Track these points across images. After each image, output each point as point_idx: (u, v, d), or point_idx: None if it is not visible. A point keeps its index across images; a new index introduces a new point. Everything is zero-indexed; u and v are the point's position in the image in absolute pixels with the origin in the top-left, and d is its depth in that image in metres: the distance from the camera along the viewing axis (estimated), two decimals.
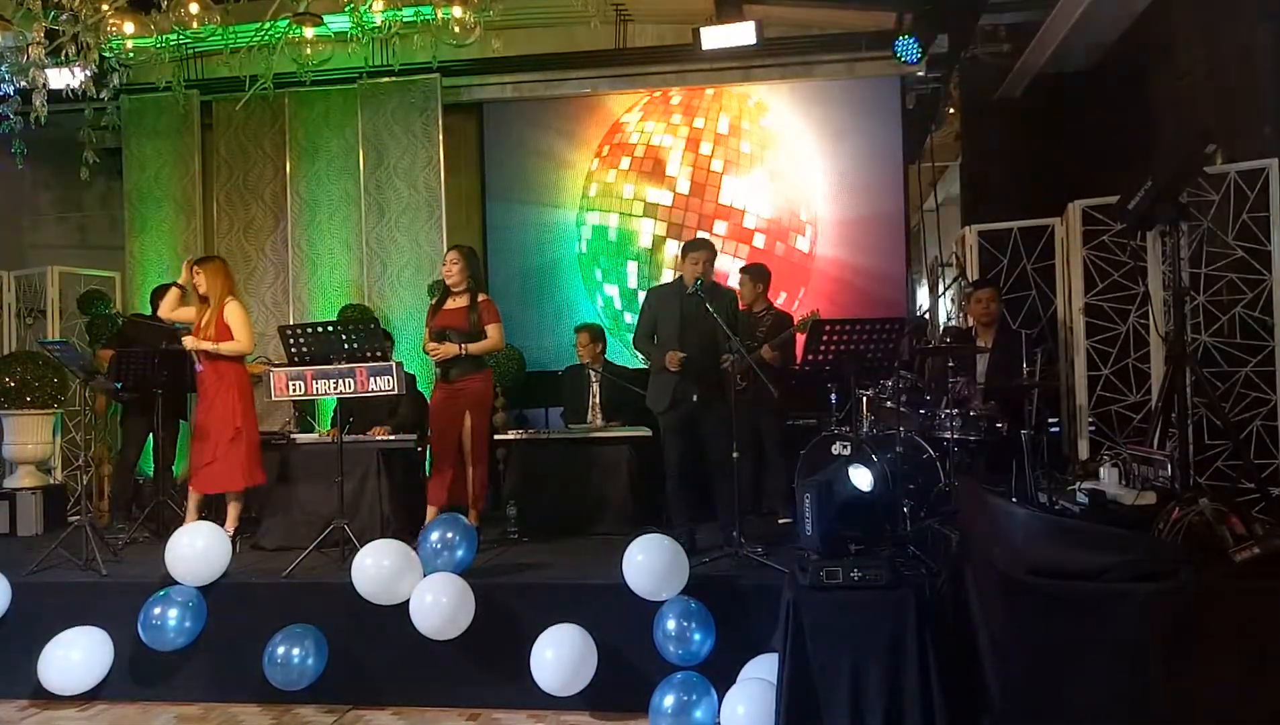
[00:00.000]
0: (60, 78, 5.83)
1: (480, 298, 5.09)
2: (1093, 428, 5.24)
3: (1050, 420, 4.37)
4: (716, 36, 6.45)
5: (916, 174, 7.53)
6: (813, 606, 3.50)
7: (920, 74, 6.95)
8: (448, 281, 5.08)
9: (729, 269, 7.05)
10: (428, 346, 5.01)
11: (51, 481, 6.50)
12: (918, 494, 4.54)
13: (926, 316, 6.76)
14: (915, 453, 4.74)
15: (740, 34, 6.40)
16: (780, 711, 3.43)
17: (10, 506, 6.01)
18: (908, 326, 5.34)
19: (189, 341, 5.03)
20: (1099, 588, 3.01)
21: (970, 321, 5.40)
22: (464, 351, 4.93)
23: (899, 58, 6.36)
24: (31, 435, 6.34)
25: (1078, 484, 3.82)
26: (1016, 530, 3.43)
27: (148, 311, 6.85)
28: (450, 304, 5.08)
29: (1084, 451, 5.24)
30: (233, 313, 5.06)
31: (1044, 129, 6.81)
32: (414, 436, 5.53)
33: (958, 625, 3.42)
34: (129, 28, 5.87)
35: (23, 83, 5.71)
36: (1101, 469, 3.73)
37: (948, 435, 4.55)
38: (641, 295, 5.61)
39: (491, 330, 5.03)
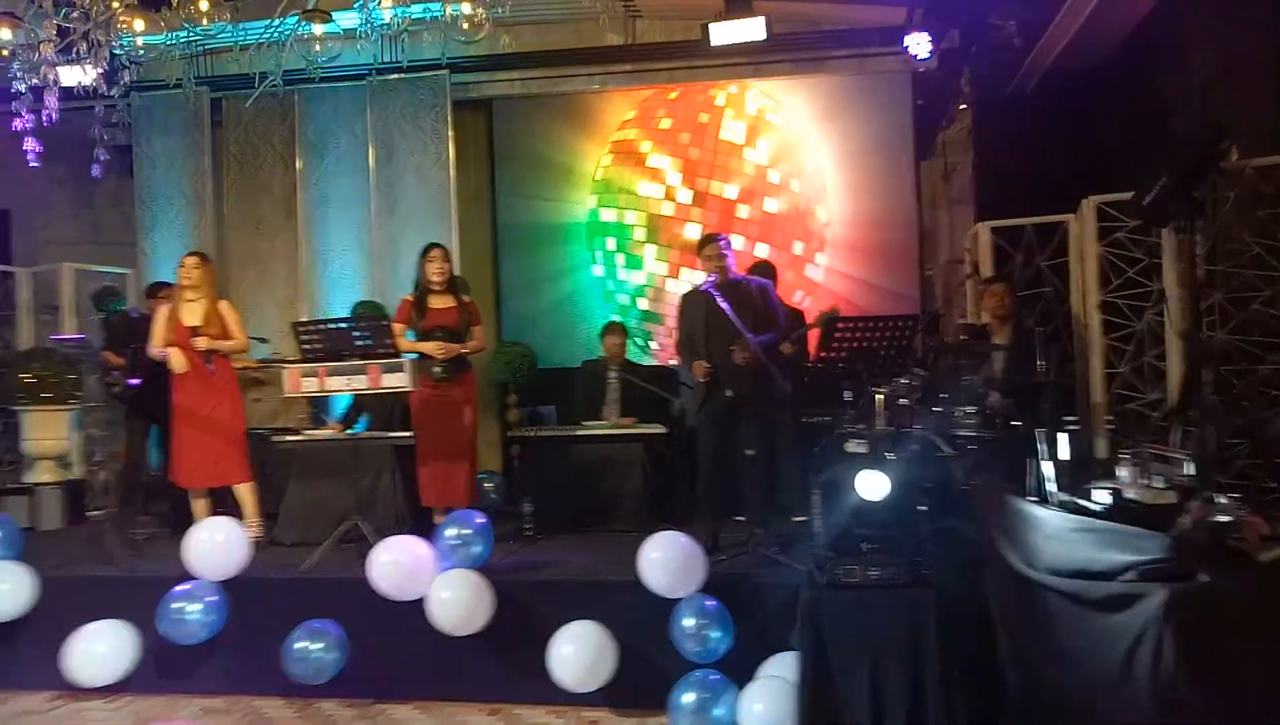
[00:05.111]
0: (72, 75, 5.84)
1: (466, 298, 5.20)
2: (1111, 426, 5.24)
3: (1067, 418, 4.37)
4: (725, 32, 6.42)
5: (928, 171, 7.51)
6: (831, 605, 3.53)
7: (931, 69, 6.93)
8: (436, 279, 5.08)
9: (744, 265, 7.05)
10: (436, 347, 4.97)
11: (71, 476, 6.55)
12: (933, 493, 4.54)
13: (940, 312, 6.75)
14: (931, 451, 4.73)
15: (749, 29, 6.38)
16: (799, 710, 3.46)
17: (31, 501, 6.07)
18: (921, 323, 5.34)
19: (203, 342, 5.05)
20: (1118, 588, 3.02)
21: (985, 318, 5.40)
22: (464, 351, 5.06)
23: (909, 53, 6.35)
24: (50, 431, 6.37)
25: (1096, 483, 3.82)
26: (1034, 529, 3.44)
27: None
28: (437, 303, 5.09)
29: (1102, 450, 5.24)
30: (230, 310, 5.24)
31: (1057, 124, 6.77)
32: None
33: (977, 625, 3.43)
34: (139, 25, 5.88)
35: (35, 80, 5.72)
36: (1120, 468, 3.72)
37: (963, 433, 4.55)
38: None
39: (478, 331, 5.18)
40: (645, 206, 7.72)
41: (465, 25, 5.69)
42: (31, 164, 5.98)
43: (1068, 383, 5.33)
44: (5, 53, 5.63)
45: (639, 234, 7.72)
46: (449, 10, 5.65)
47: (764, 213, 7.53)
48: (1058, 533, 3.36)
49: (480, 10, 5.59)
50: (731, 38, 6.44)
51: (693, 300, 4.86)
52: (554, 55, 7.33)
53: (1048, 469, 4.05)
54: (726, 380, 4.59)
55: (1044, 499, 3.98)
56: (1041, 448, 4.20)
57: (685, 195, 7.63)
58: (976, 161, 7.12)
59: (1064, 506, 3.84)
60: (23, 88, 5.75)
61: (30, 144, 5.88)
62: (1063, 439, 3.96)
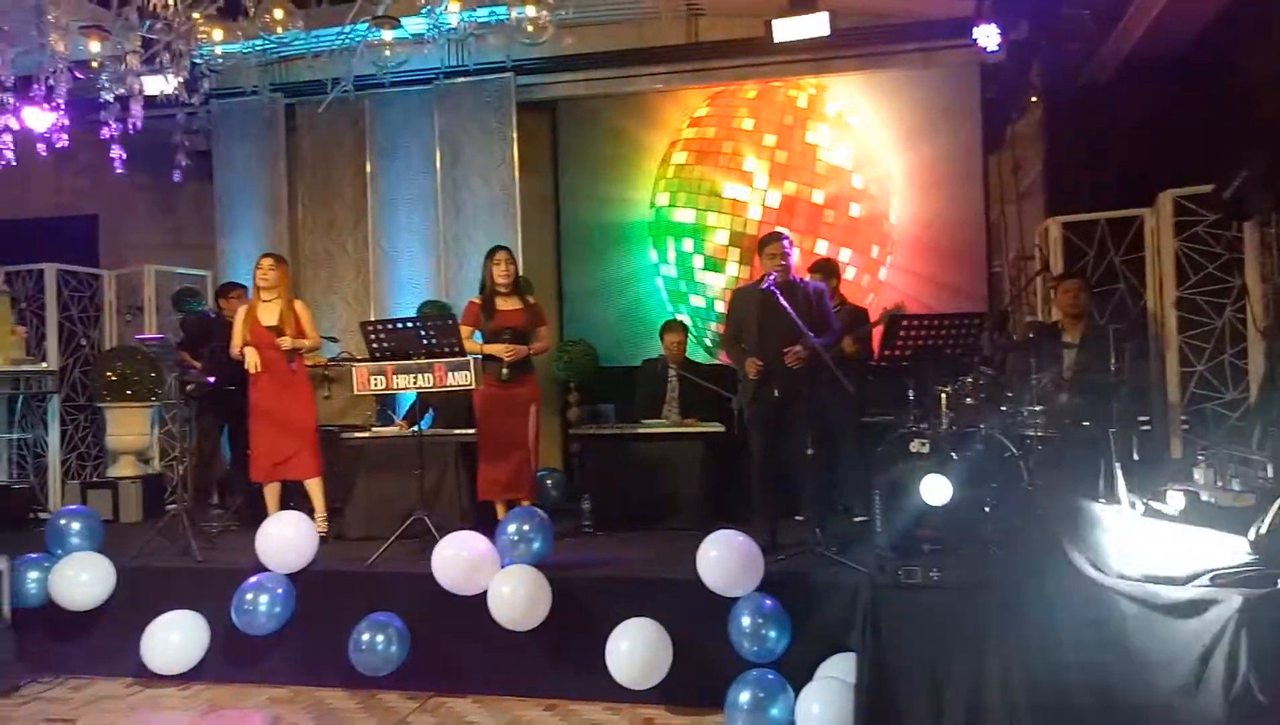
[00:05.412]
0: (155, 84, 6.09)
1: (531, 300, 5.28)
2: (1186, 426, 5.06)
3: (1141, 418, 4.23)
4: (789, 28, 6.37)
5: (997, 165, 7.33)
6: (891, 606, 3.47)
7: (1000, 61, 6.76)
8: (502, 281, 5.14)
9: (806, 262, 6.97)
10: (504, 349, 5.04)
11: (150, 471, 6.82)
12: (999, 494, 4.43)
13: (1008, 310, 6.58)
14: (996, 451, 4.63)
15: (813, 25, 6.32)
16: (857, 711, 3.41)
17: (113, 494, 6.35)
18: (987, 321, 5.22)
19: (286, 342, 5.21)
20: (1190, 593, 2.92)
21: (1056, 315, 5.25)
22: (530, 352, 5.14)
23: (978, 46, 6.20)
24: (131, 427, 6.66)
25: (1170, 484, 3.69)
26: (1103, 532, 3.34)
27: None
28: (504, 305, 5.15)
29: (1177, 451, 5.06)
30: (304, 310, 5.38)
31: (1133, 115, 6.55)
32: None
33: (1041, 629, 3.34)
34: (218, 34, 6.10)
35: (121, 90, 5.98)
36: (1196, 469, 3.59)
37: (1031, 433, 4.44)
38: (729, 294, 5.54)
39: (544, 332, 5.27)
40: (730, 209, 7.59)
41: (529, 28, 5.77)
42: (117, 170, 6.25)
43: (1141, 382, 5.16)
44: (94, 64, 5.91)
45: (721, 237, 7.61)
46: (513, 13, 5.74)
47: (849, 218, 7.40)
48: (1128, 536, 3.26)
49: (544, 13, 5.67)
50: (795, 34, 6.39)
51: (747, 296, 4.80)
52: (617, 55, 7.35)
53: (1119, 470, 3.94)
54: (777, 380, 4.54)
55: (1115, 501, 3.86)
56: (1113, 448, 4.08)
57: (774, 199, 7.52)
58: (1047, 155, 6.93)
59: (1136, 508, 3.73)
60: (110, 97, 6.03)
61: (116, 151, 6.15)
62: (1135, 439, 3.84)
